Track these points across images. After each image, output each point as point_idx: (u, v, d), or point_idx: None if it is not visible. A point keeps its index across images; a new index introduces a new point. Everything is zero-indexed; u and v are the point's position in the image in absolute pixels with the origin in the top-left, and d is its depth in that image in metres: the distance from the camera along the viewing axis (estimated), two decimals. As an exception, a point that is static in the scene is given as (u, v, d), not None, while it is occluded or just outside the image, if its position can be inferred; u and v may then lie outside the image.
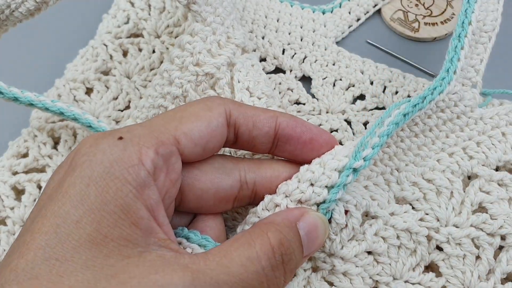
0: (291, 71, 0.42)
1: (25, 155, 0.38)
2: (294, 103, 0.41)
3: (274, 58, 0.43)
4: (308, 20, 0.44)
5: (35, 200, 0.36)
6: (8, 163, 0.37)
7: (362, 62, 0.42)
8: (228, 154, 0.31)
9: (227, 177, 0.26)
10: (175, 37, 0.43)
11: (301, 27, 0.44)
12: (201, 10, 0.33)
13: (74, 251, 0.20)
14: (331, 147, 0.27)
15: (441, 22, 0.45)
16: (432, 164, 0.31)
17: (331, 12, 0.45)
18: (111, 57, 0.43)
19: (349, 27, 0.45)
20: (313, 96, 0.41)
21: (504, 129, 0.31)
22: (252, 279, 0.22)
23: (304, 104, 0.40)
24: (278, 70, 0.43)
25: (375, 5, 0.46)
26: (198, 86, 0.33)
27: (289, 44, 0.43)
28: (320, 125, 0.39)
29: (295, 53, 0.43)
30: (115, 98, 0.41)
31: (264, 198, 0.27)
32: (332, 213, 0.27)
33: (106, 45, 0.43)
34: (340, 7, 0.46)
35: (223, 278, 0.21)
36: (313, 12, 0.45)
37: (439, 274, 0.29)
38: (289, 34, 0.44)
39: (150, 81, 0.41)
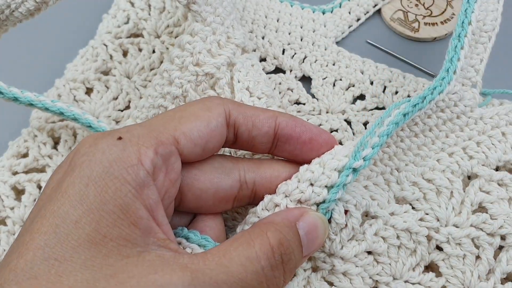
0: (291, 71, 0.42)
1: (25, 155, 0.38)
2: (294, 103, 0.41)
3: (274, 58, 0.43)
4: (308, 20, 0.44)
5: (35, 200, 0.36)
6: (8, 163, 0.37)
7: (362, 62, 0.42)
8: (228, 154, 0.31)
9: (227, 177, 0.26)
10: (175, 37, 0.43)
11: (301, 27, 0.44)
12: (201, 10, 0.33)
13: (73, 251, 0.20)
14: (330, 147, 0.27)
15: (441, 22, 0.45)
16: (432, 164, 0.31)
17: (331, 12, 0.45)
18: (111, 57, 0.43)
19: (349, 27, 0.45)
20: (313, 96, 0.41)
21: (504, 129, 0.31)
22: (252, 279, 0.22)
23: (304, 104, 0.40)
24: (278, 70, 0.43)
25: (375, 5, 0.46)
26: (198, 86, 0.33)
27: (289, 44, 0.43)
28: (320, 125, 0.39)
29: (295, 53, 0.43)
30: (115, 98, 0.41)
31: (263, 198, 0.27)
32: (331, 213, 0.27)
33: (106, 45, 0.43)
34: (340, 7, 0.46)
35: (222, 278, 0.21)
36: (313, 12, 0.45)
37: (439, 274, 0.29)
38: (289, 34, 0.44)
39: (150, 81, 0.41)
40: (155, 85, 0.34)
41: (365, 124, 0.39)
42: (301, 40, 0.43)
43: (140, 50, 0.43)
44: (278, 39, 0.43)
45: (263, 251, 0.22)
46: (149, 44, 0.43)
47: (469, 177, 0.31)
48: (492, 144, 0.31)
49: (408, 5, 0.46)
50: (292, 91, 0.41)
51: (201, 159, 0.26)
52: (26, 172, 0.37)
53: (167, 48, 0.43)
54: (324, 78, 0.41)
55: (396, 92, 0.40)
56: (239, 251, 0.22)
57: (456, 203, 0.30)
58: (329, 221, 0.27)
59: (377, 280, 0.29)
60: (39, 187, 0.37)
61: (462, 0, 0.31)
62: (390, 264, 0.29)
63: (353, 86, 0.41)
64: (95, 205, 0.20)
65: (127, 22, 0.44)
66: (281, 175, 0.27)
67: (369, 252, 0.29)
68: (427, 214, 0.29)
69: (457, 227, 0.29)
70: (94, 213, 0.20)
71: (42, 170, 0.38)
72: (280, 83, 0.41)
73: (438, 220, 0.29)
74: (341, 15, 0.45)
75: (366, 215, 0.29)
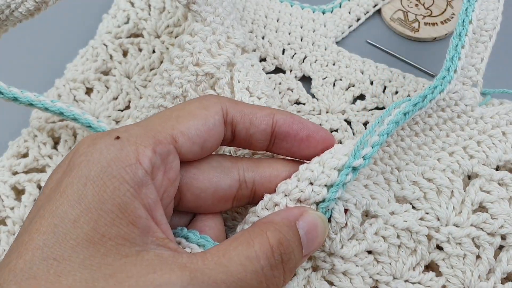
0: (291, 71, 0.42)
1: (25, 155, 0.38)
2: (294, 103, 0.41)
3: (274, 58, 0.43)
4: (308, 20, 0.44)
5: (35, 200, 0.36)
6: (8, 163, 0.37)
7: (362, 62, 0.42)
8: (228, 153, 0.31)
9: (226, 176, 0.26)
10: (175, 37, 0.43)
11: (301, 27, 0.44)
12: (201, 10, 0.33)
13: (72, 250, 0.20)
14: (328, 144, 0.27)
15: (441, 22, 0.45)
16: (432, 163, 0.31)
17: (331, 12, 0.45)
18: (111, 57, 0.43)
19: (349, 27, 0.45)
20: (313, 96, 0.41)
21: (504, 129, 0.31)
22: (251, 279, 0.21)
23: (304, 104, 0.40)
24: (278, 70, 0.43)
25: (375, 5, 0.46)
26: (198, 86, 0.33)
27: (289, 44, 0.43)
28: (320, 125, 0.38)
29: (295, 53, 0.43)
30: (115, 98, 0.41)
31: (263, 197, 0.26)
32: (331, 212, 0.27)
33: (106, 45, 0.43)
34: (340, 7, 0.46)
35: (222, 278, 0.21)
36: (313, 12, 0.45)
37: (439, 274, 0.29)
38: (289, 34, 0.44)
39: (150, 81, 0.41)
40: (155, 85, 0.34)
41: (365, 124, 0.39)
42: (301, 40, 0.43)
43: (140, 50, 0.43)
44: (278, 39, 0.43)
45: (263, 251, 0.22)
46: (149, 44, 0.43)
47: (469, 177, 0.31)
48: (493, 143, 0.31)
49: (408, 5, 0.46)
50: (292, 91, 0.41)
51: (200, 158, 0.26)
52: (26, 172, 0.37)
53: (167, 48, 0.43)
54: (324, 78, 0.41)
55: (396, 92, 0.40)
56: (238, 250, 0.22)
57: (457, 203, 0.30)
58: (329, 220, 0.27)
59: (377, 280, 0.29)
60: (39, 187, 0.37)
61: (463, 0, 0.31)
62: (390, 264, 0.29)
63: (353, 86, 0.41)
64: (94, 205, 0.20)
65: (127, 22, 0.44)
66: (280, 174, 0.27)
67: (369, 252, 0.29)
68: (427, 213, 0.29)
69: (457, 226, 0.29)
70: (93, 213, 0.20)
71: (42, 170, 0.38)
72: (280, 83, 0.41)
73: (438, 219, 0.29)
74: (341, 15, 0.45)
75: (366, 214, 0.29)
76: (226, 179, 0.26)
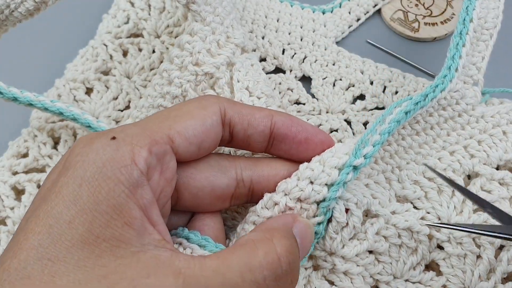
0: (291, 71, 0.42)
1: (25, 155, 0.38)
2: (294, 103, 0.41)
3: (274, 58, 0.43)
4: (308, 20, 0.44)
5: (34, 200, 0.36)
6: (8, 163, 0.37)
7: (362, 62, 0.42)
8: (228, 153, 0.31)
9: (223, 175, 0.26)
10: (175, 37, 0.43)
11: (301, 27, 0.44)
12: (201, 10, 0.33)
13: (67, 251, 0.20)
14: (327, 147, 0.27)
15: (441, 22, 0.45)
16: (433, 163, 0.30)
17: (331, 12, 0.45)
18: (111, 57, 0.43)
19: (349, 27, 0.45)
20: (313, 96, 0.41)
21: (505, 128, 0.31)
22: None
23: (304, 104, 0.40)
24: (278, 70, 0.43)
25: (375, 5, 0.46)
26: (197, 86, 0.33)
27: (289, 44, 0.43)
28: (320, 125, 0.39)
29: (295, 53, 0.43)
30: (115, 98, 0.41)
31: (262, 196, 0.26)
32: (332, 211, 0.26)
33: (106, 45, 0.43)
34: (340, 7, 0.46)
35: (217, 287, 0.20)
36: (313, 12, 0.45)
37: (439, 273, 0.29)
38: (289, 34, 0.44)
39: (150, 81, 0.41)
40: (155, 85, 0.34)
41: (365, 124, 0.39)
42: (301, 40, 0.43)
43: (140, 50, 0.43)
44: (278, 39, 0.43)
45: (268, 260, 0.21)
46: (149, 44, 0.43)
47: (469, 177, 0.31)
48: (493, 143, 0.31)
49: (408, 5, 0.46)
50: (292, 91, 0.41)
51: (197, 158, 0.26)
52: (26, 172, 0.37)
53: (167, 48, 0.43)
54: (324, 78, 0.41)
55: (396, 92, 0.40)
56: (239, 258, 0.21)
57: (458, 202, 0.30)
58: (330, 219, 0.27)
59: (377, 279, 0.29)
60: (39, 187, 0.36)
61: (463, -1, 0.31)
62: (391, 263, 0.29)
63: (353, 86, 0.41)
64: (88, 206, 0.20)
65: (127, 22, 0.44)
66: (279, 173, 0.27)
67: (370, 251, 0.29)
68: (428, 213, 0.29)
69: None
70: (87, 214, 0.20)
71: (42, 170, 0.38)
72: (280, 83, 0.41)
73: (439, 219, 0.29)
74: (341, 15, 0.45)
75: (367, 214, 0.29)
76: (223, 178, 0.26)
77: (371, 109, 0.40)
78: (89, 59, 0.42)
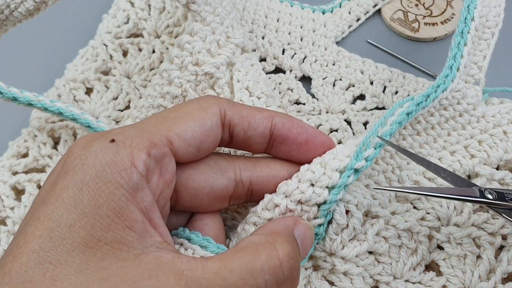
0: (291, 71, 0.42)
1: (25, 155, 0.38)
2: (294, 103, 0.41)
3: (274, 58, 0.43)
4: (308, 20, 0.44)
5: (34, 200, 0.36)
6: (8, 163, 0.37)
7: (362, 62, 0.42)
8: (227, 153, 0.31)
9: (222, 176, 0.26)
10: (175, 37, 0.43)
11: (301, 27, 0.44)
12: (201, 10, 0.33)
13: (68, 254, 0.20)
14: (327, 148, 0.27)
15: (441, 22, 0.45)
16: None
17: (331, 12, 0.45)
18: (111, 57, 0.42)
19: (349, 27, 0.45)
20: (313, 96, 0.41)
21: (505, 128, 0.31)
22: None
23: (304, 104, 0.40)
24: (278, 70, 0.43)
25: (375, 5, 0.46)
26: (197, 86, 0.33)
27: (289, 44, 0.43)
28: (320, 125, 0.39)
29: (295, 53, 0.43)
30: (115, 98, 0.41)
31: (261, 196, 0.26)
32: (333, 213, 0.26)
33: (106, 45, 0.43)
34: (340, 7, 0.46)
35: None
36: (313, 12, 0.45)
37: (439, 274, 0.29)
38: (289, 34, 0.43)
39: (150, 81, 0.41)
40: (155, 85, 0.34)
41: (365, 124, 0.39)
42: (301, 40, 0.43)
43: (140, 50, 0.43)
44: (278, 39, 0.43)
45: (270, 265, 0.21)
46: (149, 44, 0.43)
47: (469, 177, 0.31)
48: (494, 142, 0.31)
49: (408, 5, 0.46)
50: (292, 91, 0.41)
51: (196, 159, 0.26)
52: (26, 172, 0.37)
53: (167, 48, 0.43)
54: (324, 78, 0.41)
55: (396, 92, 0.40)
56: (241, 262, 0.21)
57: (457, 203, 0.29)
58: (330, 221, 0.27)
59: (377, 280, 0.29)
60: (39, 187, 0.37)
61: (463, -1, 0.31)
62: (391, 264, 0.29)
63: (353, 86, 0.41)
64: (89, 209, 0.20)
65: (127, 22, 0.44)
66: (278, 174, 0.27)
67: (370, 252, 0.29)
68: (428, 213, 0.29)
69: (458, 226, 0.29)
70: (89, 217, 0.20)
71: (42, 170, 0.38)
72: (280, 83, 0.41)
73: (439, 219, 0.29)
74: (341, 15, 0.45)
75: (367, 214, 0.29)
76: (222, 179, 0.26)
77: (371, 109, 0.40)
78: (89, 59, 0.42)
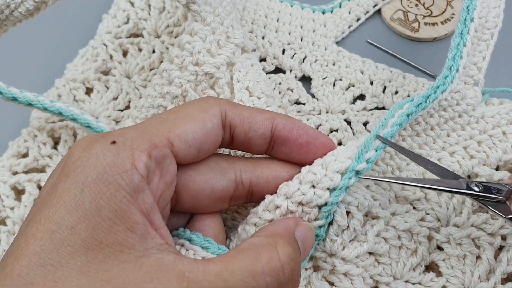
0: (291, 71, 0.42)
1: (25, 155, 0.38)
2: (294, 103, 0.41)
3: (274, 58, 0.43)
4: (308, 20, 0.44)
5: (35, 200, 0.36)
6: (8, 163, 0.37)
7: (362, 62, 0.42)
8: (228, 153, 0.31)
9: (222, 177, 0.26)
10: (175, 37, 0.43)
11: (301, 27, 0.44)
12: (201, 10, 0.33)
13: (69, 257, 0.20)
14: (328, 150, 0.27)
15: (441, 22, 0.45)
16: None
17: (331, 12, 0.45)
18: (111, 57, 0.42)
19: (349, 27, 0.45)
20: (313, 96, 0.41)
21: (504, 128, 0.31)
22: None
23: (304, 104, 0.40)
24: (278, 70, 0.43)
25: (375, 5, 0.46)
26: (197, 86, 0.33)
27: (289, 44, 0.43)
28: (320, 125, 0.39)
29: (295, 53, 0.43)
30: (115, 98, 0.41)
31: (261, 197, 0.26)
32: (333, 215, 0.27)
33: (106, 45, 0.43)
34: (340, 7, 0.46)
35: None
36: (313, 12, 0.45)
37: (439, 274, 0.29)
38: (289, 34, 0.43)
39: (150, 81, 0.41)
40: (155, 85, 0.34)
41: (365, 124, 0.39)
42: (301, 40, 0.43)
43: (140, 50, 0.43)
44: (278, 39, 0.43)
45: (271, 267, 0.21)
46: (149, 44, 0.43)
47: (468, 177, 0.31)
48: (493, 143, 0.31)
49: (408, 5, 0.46)
50: (292, 91, 0.41)
51: (197, 161, 0.26)
52: (26, 172, 0.37)
53: (167, 48, 0.43)
54: (324, 78, 0.41)
55: (396, 92, 0.40)
56: (243, 264, 0.21)
57: (457, 203, 0.30)
58: (331, 222, 0.27)
59: (377, 280, 0.29)
60: (39, 187, 0.37)
61: (463, -1, 0.31)
62: (391, 265, 0.29)
63: (353, 86, 0.41)
64: (91, 211, 0.20)
65: (127, 22, 0.44)
66: (278, 175, 0.27)
67: (370, 253, 0.29)
68: (428, 214, 0.29)
69: (457, 227, 0.29)
70: (90, 219, 0.20)
71: (42, 170, 0.38)
72: (280, 83, 0.41)
73: (438, 220, 0.29)
74: (341, 15, 0.45)
75: (367, 215, 0.29)
76: (222, 180, 0.26)
77: (371, 109, 0.40)
78: (89, 59, 0.42)
